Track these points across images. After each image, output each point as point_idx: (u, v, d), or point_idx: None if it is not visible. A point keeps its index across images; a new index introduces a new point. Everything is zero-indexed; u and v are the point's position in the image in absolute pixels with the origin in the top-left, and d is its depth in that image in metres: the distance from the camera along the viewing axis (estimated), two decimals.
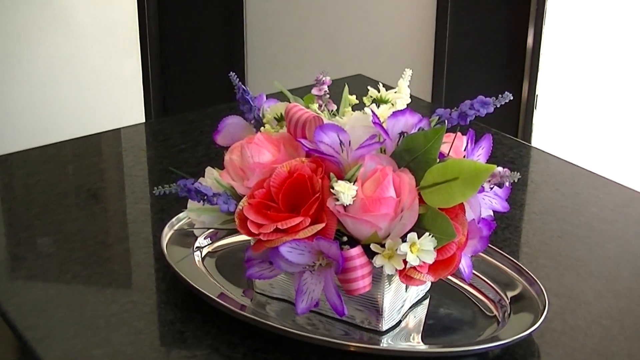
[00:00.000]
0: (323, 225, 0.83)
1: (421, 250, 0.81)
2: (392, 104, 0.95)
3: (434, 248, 0.81)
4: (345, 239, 0.84)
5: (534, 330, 0.86)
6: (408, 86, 0.98)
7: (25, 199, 1.16)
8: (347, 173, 0.85)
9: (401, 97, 0.96)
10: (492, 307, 0.93)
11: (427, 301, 0.96)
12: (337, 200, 0.81)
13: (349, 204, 0.82)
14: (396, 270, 0.82)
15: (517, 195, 1.17)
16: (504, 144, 1.32)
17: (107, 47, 2.40)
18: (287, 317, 0.90)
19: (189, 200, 0.88)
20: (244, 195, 0.86)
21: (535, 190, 1.20)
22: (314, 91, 0.98)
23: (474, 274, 0.96)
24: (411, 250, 0.81)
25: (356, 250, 0.82)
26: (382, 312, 0.88)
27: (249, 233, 0.84)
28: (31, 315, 0.91)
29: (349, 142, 0.86)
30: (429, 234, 0.81)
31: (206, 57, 2.58)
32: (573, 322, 0.91)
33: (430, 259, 0.81)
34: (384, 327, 0.89)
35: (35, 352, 0.86)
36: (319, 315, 0.91)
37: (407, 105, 0.96)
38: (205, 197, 0.85)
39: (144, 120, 2.45)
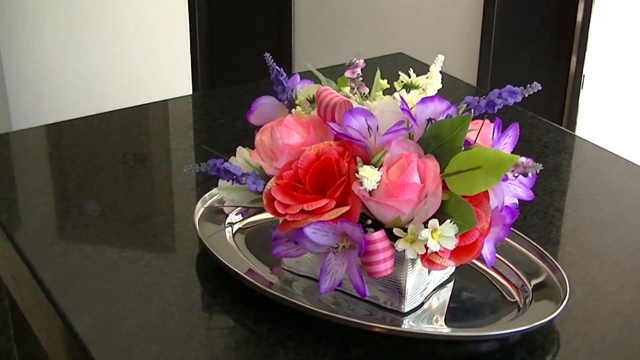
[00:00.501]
0: (348, 208, 0.85)
1: (442, 236, 0.82)
2: (423, 90, 0.96)
3: (455, 235, 0.83)
4: (369, 222, 0.86)
5: (553, 317, 0.87)
6: (440, 71, 0.99)
7: (66, 168, 1.19)
8: (373, 157, 0.87)
9: (432, 82, 0.97)
10: (514, 292, 0.94)
11: (451, 284, 0.97)
12: (362, 184, 0.83)
13: (373, 189, 0.84)
14: (418, 254, 0.83)
15: (549, 181, 1.17)
16: (539, 128, 1.32)
17: (157, 19, 2.43)
18: (312, 295, 0.93)
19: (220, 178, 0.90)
20: (273, 176, 0.88)
21: (568, 177, 1.21)
22: (347, 74, 0.99)
23: (498, 259, 0.97)
24: (432, 236, 0.82)
25: (379, 234, 0.84)
26: (404, 293, 0.90)
27: (276, 213, 0.86)
28: (66, 283, 0.94)
29: (377, 127, 0.88)
30: (451, 221, 0.82)
31: (254, 32, 2.60)
32: (594, 311, 0.92)
33: (451, 245, 0.82)
34: (406, 309, 0.91)
35: (68, 320, 0.89)
36: (344, 295, 0.93)
37: (440, 89, 0.97)
38: (234, 177, 0.87)
39: (191, 93, 2.48)
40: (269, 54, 1.01)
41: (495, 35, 2.37)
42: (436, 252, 0.84)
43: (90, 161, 1.21)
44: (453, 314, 0.93)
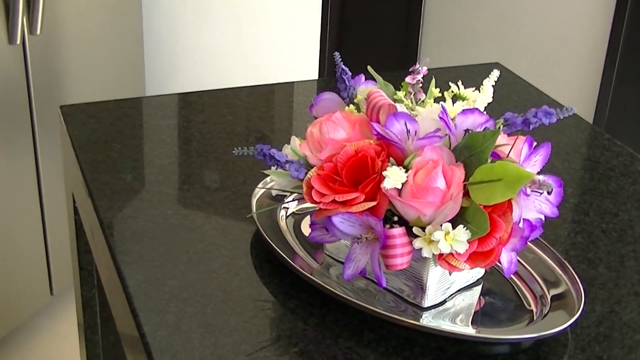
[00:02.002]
0: (374, 203, 0.92)
1: (455, 240, 0.88)
2: (473, 101, 1.01)
3: (468, 240, 0.88)
4: (395, 218, 0.93)
5: (557, 331, 0.91)
6: (492, 85, 1.03)
7: (157, 138, 1.30)
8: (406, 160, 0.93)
9: (481, 96, 1.02)
10: (532, 301, 0.99)
11: (478, 288, 1.02)
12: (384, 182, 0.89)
13: (401, 188, 0.90)
14: (433, 254, 0.89)
15: (604, 203, 1.20)
16: (611, 151, 1.34)
17: (292, 5, 2.53)
18: (347, 281, 1.00)
19: None
20: (315, 166, 0.96)
21: (624, 201, 1.23)
22: (407, 79, 1.05)
23: (526, 269, 1.02)
24: (445, 239, 0.88)
25: (398, 231, 0.90)
26: (425, 289, 0.96)
27: (312, 200, 0.94)
28: (128, 242, 1.05)
29: (416, 132, 0.94)
30: (464, 227, 0.88)
31: (383, 25, 2.67)
32: (607, 332, 0.96)
33: (462, 249, 0.88)
34: (426, 304, 0.97)
35: (122, 274, 1.00)
36: (376, 284, 1.00)
37: (488, 104, 1.02)
38: (278, 163, 0.96)
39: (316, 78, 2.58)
40: (338, 53, 1.09)
41: (622, 49, 2.35)
42: (452, 254, 0.90)
43: (212, 133, 1.32)
44: (470, 315, 0.98)
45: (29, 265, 2.26)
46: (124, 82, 2.53)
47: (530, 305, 0.99)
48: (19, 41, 2.04)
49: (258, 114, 1.40)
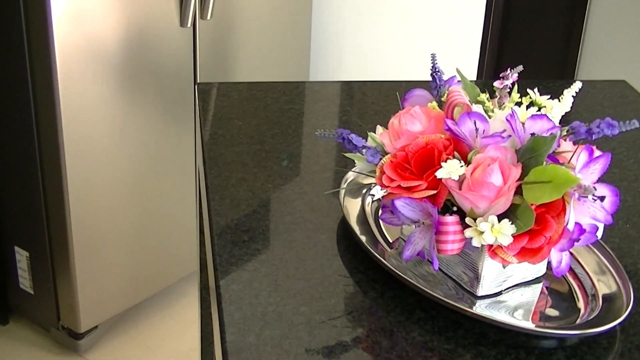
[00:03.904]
0: (434, 192, 0.99)
1: (500, 232, 0.94)
2: (550, 109, 1.06)
3: (513, 234, 0.95)
4: (455, 209, 1.00)
5: (593, 333, 0.96)
6: (573, 96, 1.08)
7: (276, 120, 1.42)
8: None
9: (559, 105, 1.07)
10: (582, 302, 1.03)
11: (539, 285, 1.08)
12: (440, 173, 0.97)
13: (460, 181, 0.98)
14: (482, 244, 0.96)
15: None
16: None
17: (455, 7, 2.60)
18: (416, 264, 1.08)
19: None
20: (389, 154, 1.05)
21: None
22: (496, 83, 1.12)
23: (585, 272, 1.07)
24: (492, 231, 0.95)
25: (451, 219, 0.98)
26: (479, 278, 1.03)
27: (382, 184, 1.03)
28: (227, 207, 1.17)
29: (484, 130, 1.01)
30: (510, 221, 0.94)
31: (546, 34, 2.69)
32: None
33: (506, 241, 0.94)
34: (479, 293, 1.04)
35: (213, 234, 1.12)
36: (441, 272, 1.07)
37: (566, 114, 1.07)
38: (355, 147, 1.05)
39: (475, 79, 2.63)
40: (435, 54, 1.17)
41: None
42: (500, 247, 0.96)
43: (326, 119, 1.43)
44: (523, 310, 1.04)
45: (182, 232, 2.44)
46: (288, 73, 2.68)
47: (580, 306, 1.03)
48: (189, 24, 2.21)
49: (376, 108, 1.50)
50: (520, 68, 1.14)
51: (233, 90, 1.49)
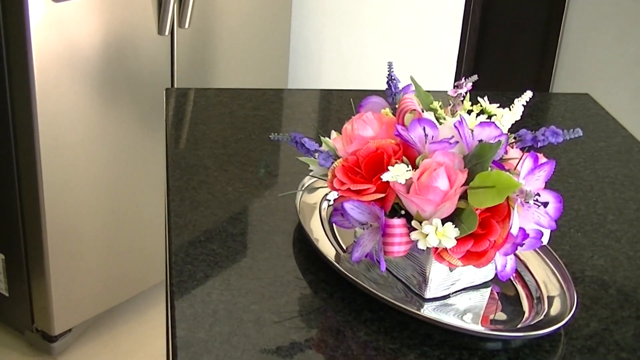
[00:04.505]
0: (382, 195, 1.02)
1: (444, 235, 0.97)
2: (496, 116, 1.09)
3: (456, 237, 0.97)
4: (403, 212, 1.03)
5: (534, 335, 0.99)
6: (523, 105, 1.11)
7: (241, 125, 1.44)
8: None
9: (509, 113, 1.10)
10: (527, 306, 1.06)
11: (487, 289, 1.10)
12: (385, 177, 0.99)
13: (405, 184, 1.00)
14: (427, 247, 0.99)
15: None
16: None
17: (433, 18, 2.63)
18: (369, 268, 1.10)
19: None
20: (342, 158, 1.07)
21: None
22: (450, 92, 1.15)
23: (532, 276, 1.10)
24: (436, 233, 0.97)
25: (397, 221, 1.00)
26: (427, 281, 1.05)
27: (332, 187, 1.05)
28: (186, 208, 1.20)
29: (433, 137, 1.03)
30: (453, 224, 0.97)
31: (521, 47, 2.73)
32: (594, 346, 1.02)
33: (449, 244, 0.97)
34: (427, 295, 1.06)
35: (171, 234, 1.14)
36: (391, 274, 1.10)
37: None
38: (308, 151, 1.07)
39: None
40: (391, 62, 1.19)
41: None
42: (446, 249, 0.99)
43: (291, 127, 1.45)
44: (470, 313, 1.06)
45: (157, 238, 2.46)
46: (266, 81, 2.71)
47: (525, 309, 1.06)
48: (167, 32, 2.24)
49: (339, 116, 1.52)
50: (474, 77, 1.17)
51: (201, 96, 1.52)
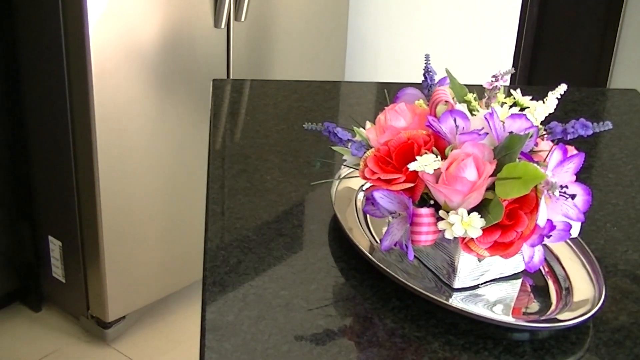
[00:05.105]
0: (412, 185, 1.03)
1: (470, 225, 0.98)
2: (528, 109, 1.09)
3: (482, 227, 0.98)
4: (432, 202, 1.04)
5: (562, 326, 0.99)
6: (557, 98, 1.11)
7: (284, 116, 1.47)
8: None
9: (543, 106, 1.10)
10: (555, 298, 1.06)
11: (518, 281, 1.11)
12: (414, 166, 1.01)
13: (434, 174, 1.01)
14: (454, 237, 1.00)
15: None
16: None
17: (491, 14, 2.63)
18: (402, 258, 1.11)
19: None
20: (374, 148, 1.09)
21: None
22: (485, 84, 1.15)
23: (562, 268, 1.10)
24: (461, 223, 0.98)
25: (425, 211, 1.01)
26: (456, 271, 1.06)
27: (363, 177, 1.07)
28: (226, 196, 1.22)
29: (463, 128, 1.04)
30: (479, 215, 0.98)
31: (578, 44, 2.70)
32: (620, 339, 1.02)
33: (474, 234, 0.98)
34: (455, 285, 1.07)
35: (208, 221, 1.17)
36: (422, 264, 1.11)
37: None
38: (340, 140, 1.09)
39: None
40: (428, 54, 1.20)
41: None
42: (472, 239, 1.00)
43: (333, 119, 1.48)
44: (499, 302, 1.06)
45: None
46: (323, 76, 2.73)
47: (553, 300, 1.06)
48: (223, 25, 2.28)
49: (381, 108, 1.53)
50: (512, 70, 1.17)
51: (246, 87, 1.54)
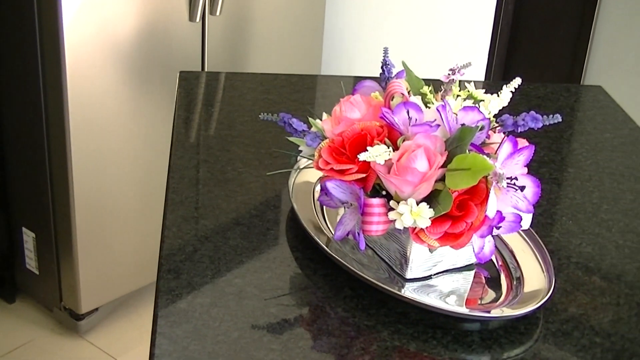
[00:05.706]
0: (364, 175, 1.04)
1: (419, 215, 0.99)
2: (482, 101, 1.11)
3: (431, 217, 0.99)
4: (384, 193, 1.05)
5: (505, 317, 1.00)
6: (511, 91, 1.12)
7: (249, 108, 1.48)
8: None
9: (497, 100, 1.11)
10: (506, 287, 1.07)
11: (471, 272, 1.12)
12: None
13: (386, 165, 1.02)
14: (404, 227, 1.01)
15: (632, 224, 1.25)
16: None
17: (465, 10, 2.64)
18: (357, 249, 1.12)
19: None
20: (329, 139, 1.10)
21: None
22: (442, 77, 1.16)
23: (515, 259, 1.11)
24: (411, 213, 0.99)
25: (376, 201, 1.02)
26: (408, 262, 1.07)
27: (317, 167, 1.08)
28: (185, 185, 1.23)
29: (416, 120, 1.05)
30: (427, 204, 0.99)
31: (553, 41, 2.72)
32: (568, 330, 1.03)
33: (423, 224, 0.99)
34: (408, 276, 1.08)
35: (167, 209, 1.18)
36: (378, 256, 1.12)
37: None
38: (295, 131, 1.10)
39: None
40: (387, 48, 1.21)
41: None
42: (423, 230, 1.01)
43: (297, 110, 1.48)
44: (452, 293, 1.08)
45: None
46: (298, 69, 2.73)
47: (503, 291, 1.07)
48: (198, 19, 2.28)
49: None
50: (469, 64, 1.18)
51: (213, 80, 1.55)
